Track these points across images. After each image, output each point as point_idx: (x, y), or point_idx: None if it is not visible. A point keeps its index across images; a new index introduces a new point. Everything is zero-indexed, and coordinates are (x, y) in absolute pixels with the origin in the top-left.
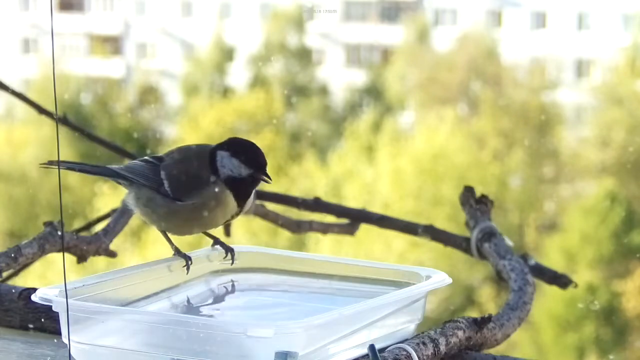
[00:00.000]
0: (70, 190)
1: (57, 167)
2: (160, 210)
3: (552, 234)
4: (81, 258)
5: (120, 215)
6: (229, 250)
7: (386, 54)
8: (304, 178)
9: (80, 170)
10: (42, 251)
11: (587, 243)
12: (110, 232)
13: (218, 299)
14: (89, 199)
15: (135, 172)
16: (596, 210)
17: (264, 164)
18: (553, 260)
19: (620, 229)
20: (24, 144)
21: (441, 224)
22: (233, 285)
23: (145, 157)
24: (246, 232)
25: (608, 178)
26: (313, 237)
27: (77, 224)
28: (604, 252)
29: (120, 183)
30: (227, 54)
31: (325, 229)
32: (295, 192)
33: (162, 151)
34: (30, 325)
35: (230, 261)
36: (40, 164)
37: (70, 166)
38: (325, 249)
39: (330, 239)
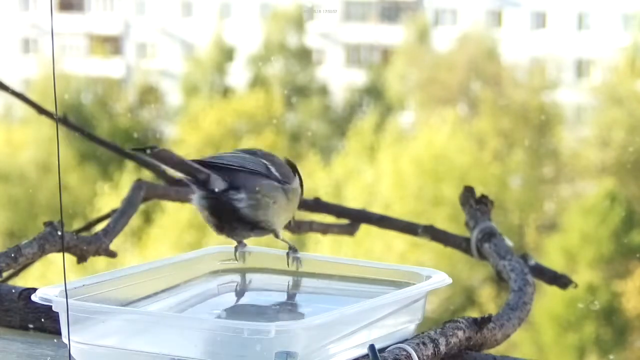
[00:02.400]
0: (70, 190)
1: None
2: (282, 197)
3: (552, 234)
4: (81, 258)
5: (120, 215)
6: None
7: (386, 54)
8: (305, 178)
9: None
10: (42, 251)
11: (587, 243)
12: (110, 232)
13: (218, 299)
14: (89, 199)
15: (246, 161)
16: (596, 210)
17: None
18: (553, 260)
19: (621, 229)
20: (23, 144)
21: (441, 224)
22: (233, 286)
23: (228, 153)
24: None
25: (608, 178)
26: (313, 237)
27: (77, 224)
28: (604, 252)
29: (208, 180)
30: (227, 54)
31: (325, 229)
32: None
33: None
34: (30, 325)
35: (235, 261)
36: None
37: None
38: (325, 249)
39: (330, 239)
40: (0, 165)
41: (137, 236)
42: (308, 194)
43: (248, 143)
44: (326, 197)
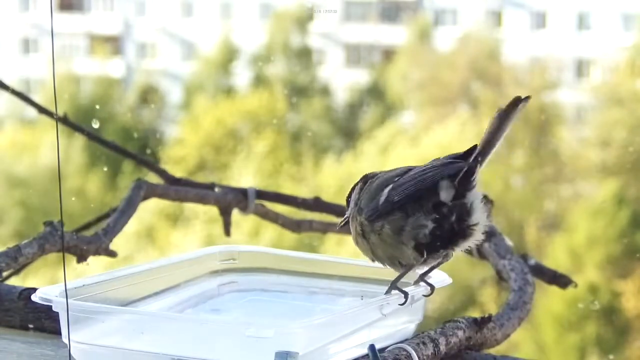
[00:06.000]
0: (70, 190)
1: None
2: None
3: (553, 234)
4: (81, 258)
5: (120, 215)
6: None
7: (387, 54)
8: (306, 178)
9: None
10: (42, 251)
11: (588, 243)
12: (110, 232)
13: (218, 299)
14: (89, 199)
15: None
16: (597, 210)
17: None
18: (554, 260)
19: (622, 229)
20: (26, 145)
21: None
22: (233, 286)
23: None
24: (250, 231)
25: (609, 178)
26: (313, 236)
27: (77, 224)
28: (605, 252)
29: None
30: (229, 54)
31: (325, 228)
32: (297, 192)
33: (162, 151)
34: (30, 325)
35: (233, 262)
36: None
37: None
38: (325, 249)
39: (330, 239)
40: (15, 169)
41: (148, 236)
42: (309, 194)
43: (249, 143)
44: (327, 197)
